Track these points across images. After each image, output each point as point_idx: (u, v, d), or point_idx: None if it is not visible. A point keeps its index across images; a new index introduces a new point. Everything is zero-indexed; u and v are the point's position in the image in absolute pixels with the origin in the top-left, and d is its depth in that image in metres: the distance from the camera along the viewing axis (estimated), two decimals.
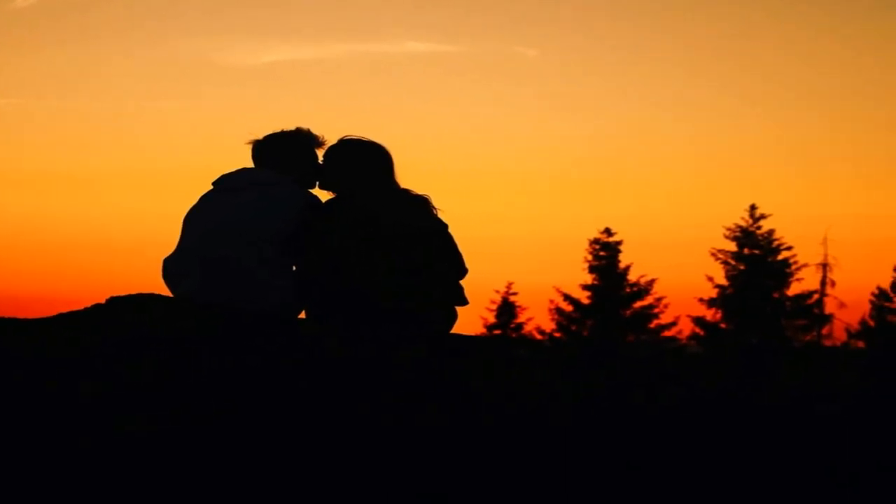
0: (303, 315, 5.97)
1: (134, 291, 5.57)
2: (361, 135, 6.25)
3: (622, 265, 40.89)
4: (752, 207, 40.46)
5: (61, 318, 5.39)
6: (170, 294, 5.95)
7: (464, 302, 6.08)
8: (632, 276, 40.77)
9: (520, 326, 42.18)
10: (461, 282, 6.11)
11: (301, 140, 6.27)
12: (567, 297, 40.70)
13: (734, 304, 39.54)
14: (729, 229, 40.43)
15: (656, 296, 40.56)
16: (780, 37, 61.86)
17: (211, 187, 6.17)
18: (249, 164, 6.29)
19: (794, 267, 40.04)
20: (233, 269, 5.84)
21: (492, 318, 42.20)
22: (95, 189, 64.07)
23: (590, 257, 41.08)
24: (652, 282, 40.60)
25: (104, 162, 65.75)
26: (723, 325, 39.83)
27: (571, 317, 40.71)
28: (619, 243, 41.08)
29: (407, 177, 6.24)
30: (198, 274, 5.88)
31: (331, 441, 4.45)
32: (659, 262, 67.35)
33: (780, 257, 40.10)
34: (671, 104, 63.54)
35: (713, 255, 40.41)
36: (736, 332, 39.37)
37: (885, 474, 4.83)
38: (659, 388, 5.30)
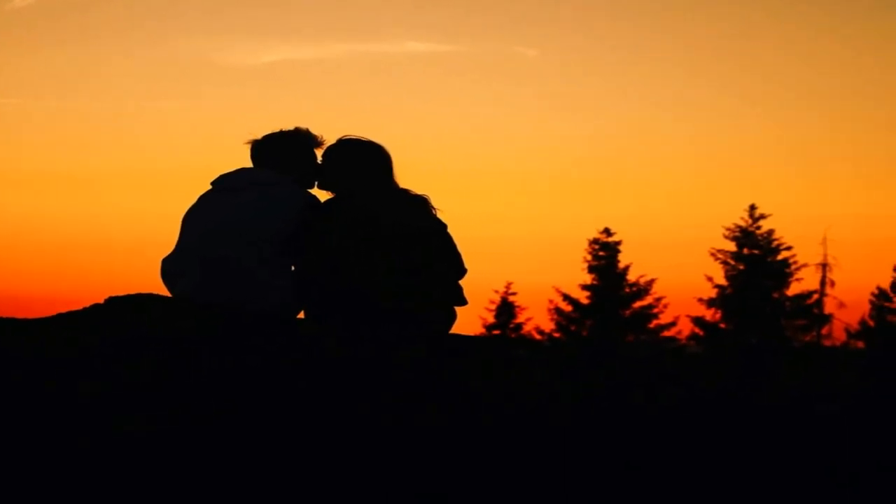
0: (302, 315, 5.97)
1: (132, 291, 5.57)
2: (360, 135, 6.24)
3: (621, 265, 40.91)
4: (752, 207, 40.49)
5: (60, 318, 5.39)
6: (168, 294, 5.94)
7: (463, 302, 6.07)
8: (631, 276, 40.82)
9: (519, 326, 42.18)
10: (460, 282, 6.10)
11: (300, 140, 6.26)
12: (566, 297, 40.70)
13: (734, 304, 39.54)
14: (728, 229, 40.46)
15: (656, 296, 40.60)
16: (780, 37, 61.92)
17: (210, 187, 6.16)
18: (248, 164, 6.28)
19: (793, 267, 40.05)
20: (232, 269, 5.83)
21: (491, 319, 42.22)
22: (94, 189, 64.12)
23: (589, 257, 41.09)
24: (651, 282, 40.63)
25: (103, 162, 65.81)
26: (722, 326, 39.83)
27: (571, 317, 40.71)
28: (618, 243, 41.10)
29: (406, 177, 6.24)
30: (197, 274, 5.88)
31: (331, 441, 4.44)
32: (658, 262, 67.39)
33: (779, 257, 40.11)
34: (671, 104, 63.60)
35: (713, 255, 40.45)
36: (735, 332, 39.36)
37: (885, 474, 4.83)
38: (659, 388, 5.30)
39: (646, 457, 4.65)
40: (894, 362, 37.20)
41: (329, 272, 5.87)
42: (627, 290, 40.55)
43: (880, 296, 40.07)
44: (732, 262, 40.20)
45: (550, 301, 40.93)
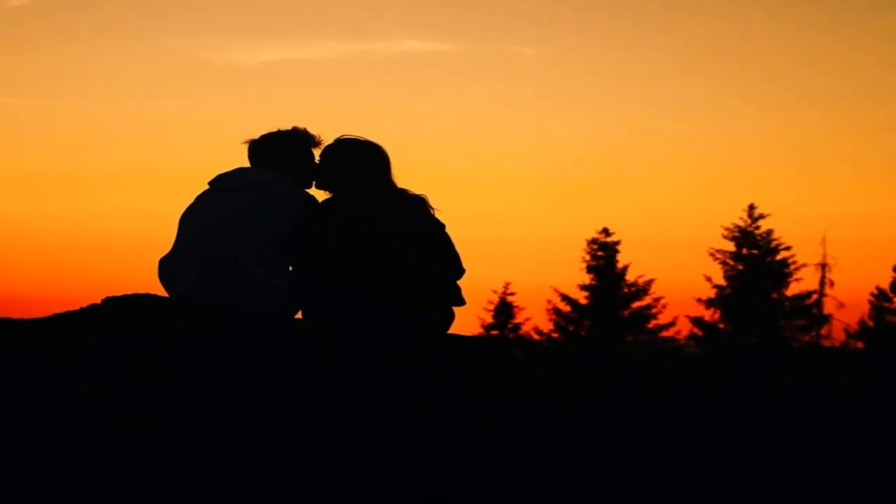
0: (300, 315, 5.96)
1: (130, 292, 5.56)
2: (358, 134, 6.24)
3: (620, 265, 40.91)
4: (751, 207, 40.47)
5: (57, 318, 5.38)
6: (166, 294, 5.93)
7: (461, 302, 6.07)
8: (630, 277, 40.80)
9: (517, 327, 42.18)
10: (458, 282, 6.09)
11: (298, 140, 6.25)
12: (565, 298, 40.69)
13: (733, 305, 39.53)
14: (727, 229, 40.44)
15: (654, 296, 40.59)
16: (780, 37, 61.95)
17: (207, 187, 6.16)
18: (246, 163, 6.27)
19: (792, 267, 40.04)
20: (230, 268, 5.82)
21: (489, 319, 42.23)
22: (90, 189, 64.09)
23: (588, 257, 41.08)
24: (650, 282, 40.62)
25: (100, 162, 65.78)
26: (721, 326, 39.82)
27: (569, 317, 40.70)
28: (617, 243, 41.09)
29: (404, 176, 6.23)
30: (194, 274, 5.87)
31: (331, 441, 4.44)
32: (657, 262, 67.40)
33: (778, 257, 40.10)
34: (669, 104, 63.60)
35: (712, 255, 40.42)
36: (734, 332, 39.35)
37: (885, 474, 4.82)
38: (658, 388, 5.30)
39: (646, 457, 4.64)
40: (894, 362, 37.20)
41: (327, 272, 5.87)
42: (626, 290, 40.55)
43: (880, 296, 40.07)
44: (731, 263, 40.19)
45: (549, 301, 40.96)
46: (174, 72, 66.36)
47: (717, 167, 63.63)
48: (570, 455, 4.58)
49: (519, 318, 42.30)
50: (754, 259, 39.98)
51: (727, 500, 4.52)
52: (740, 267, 40.03)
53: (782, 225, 49.38)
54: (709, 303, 40.03)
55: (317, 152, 6.26)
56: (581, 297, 40.73)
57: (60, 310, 5.45)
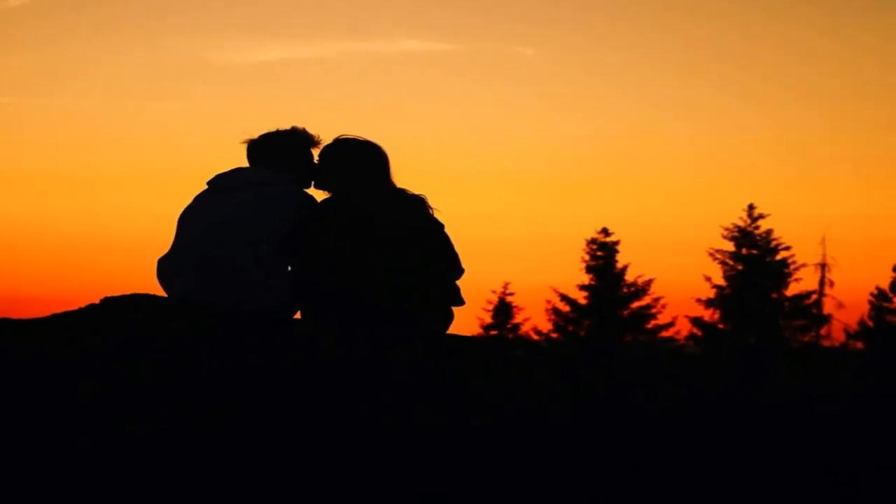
0: (298, 315, 5.96)
1: (128, 292, 5.56)
2: (357, 134, 6.23)
3: (619, 265, 40.91)
4: (751, 207, 40.47)
5: (55, 318, 5.38)
6: (164, 294, 5.93)
7: (460, 302, 6.06)
8: (629, 277, 40.80)
9: (516, 327, 42.19)
10: (457, 282, 6.09)
11: (296, 139, 6.25)
12: (564, 298, 40.69)
13: (732, 305, 39.53)
14: (727, 229, 40.43)
15: (654, 296, 40.59)
16: (779, 37, 61.96)
17: (206, 187, 6.15)
18: (245, 163, 6.27)
19: (792, 267, 40.04)
20: (228, 268, 5.82)
21: (488, 319, 42.24)
22: (88, 189, 64.08)
23: (587, 257, 41.08)
24: (649, 282, 40.62)
25: (98, 161, 65.74)
26: (721, 326, 39.82)
27: (568, 317, 40.70)
28: (616, 243, 41.09)
29: (403, 176, 6.23)
30: (192, 274, 5.87)
31: (331, 441, 4.43)
32: (657, 262, 67.39)
33: (778, 257, 40.09)
34: (669, 104, 63.61)
35: (711, 255, 40.42)
36: (734, 332, 39.36)
37: (885, 474, 4.82)
38: (658, 388, 5.30)
39: (646, 457, 4.64)
40: (893, 363, 37.20)
41: (326, 272, 5.86)
42: (625, 290, 40.55)
43: (879, 296, 40.06)
44: (731, 263, 40.19)
45: (548, 301, 40.96)
46: (173, 71, 66.42)
47: (716, 167, 63.69)
48: (571, 455, 4.58)
49: (518, 319, 42.36)
50: (754, 259, 39.98)
51: (727, 500, 4.52)
52: (740, 267, 40.02)
53: (782, 225, 49.41)
54: (708, 303, 40.03)
55: (316, 152, 6.26)
56: (580, 297, 40.74)
57: (59, 310, 5.46)
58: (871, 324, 39.77)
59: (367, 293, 5.82)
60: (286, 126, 6.28)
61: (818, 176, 62.72)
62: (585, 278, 40.88)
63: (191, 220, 6.04)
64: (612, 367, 5.66)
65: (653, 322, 40.42)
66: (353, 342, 5.23)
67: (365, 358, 5.04)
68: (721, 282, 40.11)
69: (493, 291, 42.33)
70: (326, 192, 6.17)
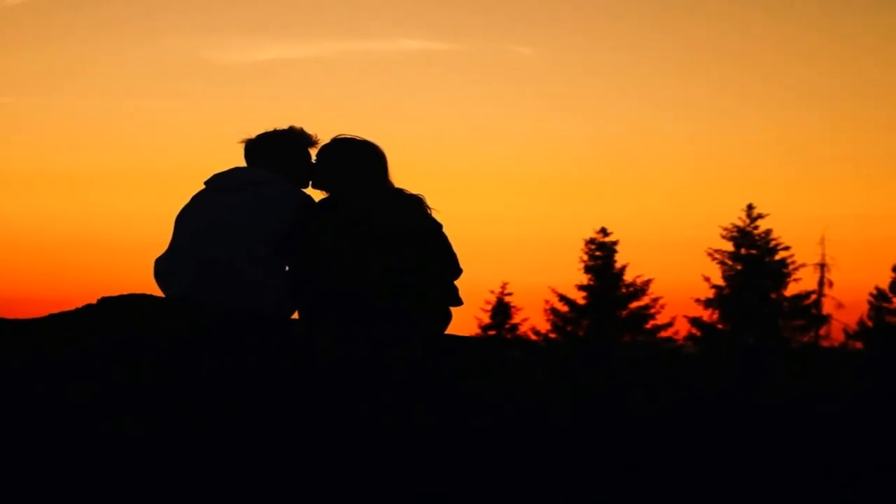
0: (296, 315, 5.95)
1: (125, 292, 5.55)
2: (355, 133, 6.22)
3: (618, 265, 40.91)
4: (750, 207, 40.47)
5: (53, 318, 5.37)
6: (161, 294, 5.92)
7: (458, 302, 6.05)
8: (628, 277, 40.80)
9: (515, 327, 42.22)
10: (456, 282, 6.08)
11: (294, 139, 6.24)
12: (562, 298, 40.70)
13: (731, 305, 39.53)
14: (726, 229, 40.43)
15: (652, 296, 40.59)
16: (779, 37, 62.00)
17: (203, 187, 6.14)
18: (242, 163, 6.26)
19: (791, 267, 40.04)
20: (225, 268, 5.81)
21: (487, 319, 42.26)
22: (85, 188, 64.08)
23: (585, 257, 41.08)
24: (648, 282, 40.63)
25: (95, 161, 65.72)
26: (720, 326, 39.82)
27: (567, 317, 40.70)
28: (615, 243, 41.09)
29: (401, 176, 6.21)
30: (190, 274, 5.86)
31: (331, 441, 4.43)
32: (655, 262, 67.40)
33: (777, 257, 40.10)
34: (667, 103, 63.65)
35: (710, 255, 40.41)
36: (733, 332, 39.36)
37: (885, 474, 4.81)
38: (657, 388, 5.29)
39: (645, 457, 4.63)
40: (893, 363, 37.21)
41: (323, 272, 5.85)
42: (624, 290, 40.56)
43: (879, 296, 40.08)
44: (730, 263, 40.19)
45: (546, 301, 40.96)
46: (170, 70, 66.43)
47: (715, 167, 63.72)
48: (570, 455, 4.57)
49: (516, 319, 42.39)
50: (753, 259, 39.98)
51: (727, 500, 4.51)
52: (739, 267, 40.03)
53: (781, 225, 49.41)
54: (707, 303, 40.03)
55: (313, 152, 6.25)
56: (579, 297, 40.75)
57: (56, 310, 5.45)
58: (870, 324, 39.79)
59: (366, 293, 5.81)
60: (284, 126, 6.28)
61: (817, 176, 62.80)
62: (584, 278, 40.92)
63: (188, 220, 6.03)
64: (610, 368, 5.66)
65: (651, 322, 40.44)
66: (351, 342, 5.22)
67: (364, 358, 5.03)
68: (720, 282, 40.12)
69: (492, 291, 42.40)
70: (324, 192, 6.16)
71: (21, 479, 4.15)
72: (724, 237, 40.42)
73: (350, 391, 4.74)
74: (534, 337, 41.26)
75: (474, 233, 50.79)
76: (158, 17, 66.08)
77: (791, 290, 39.96)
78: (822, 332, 39.81)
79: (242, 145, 6.27)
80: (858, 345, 39.91)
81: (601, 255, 40.97)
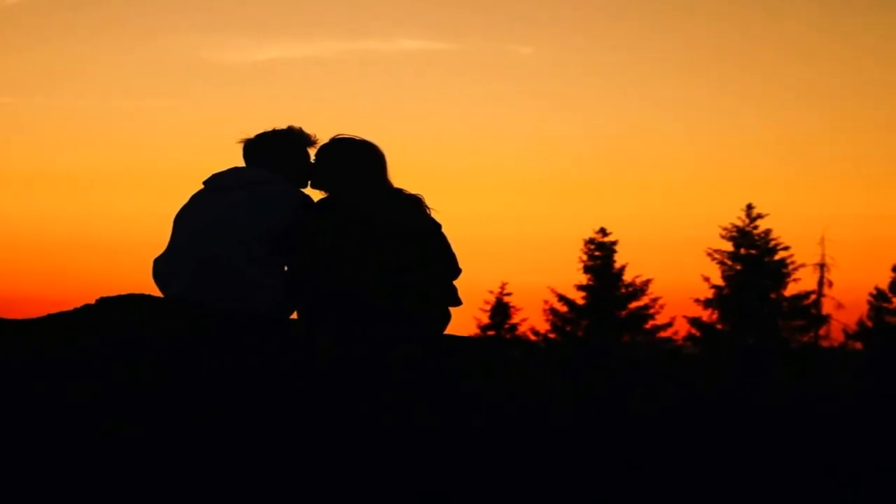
0: (295, 315, 5.94)
1: (124, 292, 5.54)
2: (354, 133, 6.22)
3: (617, 265, 40.92)
4: (749, 207, 40.47)
5: (50, 318, 5.36)
6: (160, 294, 5.91)
7: (457, 302, 6.05)
8: (627, 277, 40.81)
9: (514, 327, 42.23)
10: (455, 282, 6.07)
11: (293, 139, 6.24)
12: (562, 298, 40.72)
13: (731, 305, 39.54)
14: (725, 229, 40.44)
15: (652, 296, 40.61)
16: (779, 37, 62.02)
17: (202, 187, 6.14)
18: (241, 163, 6.26)
19: (791, 267, 40.05)
20: (223, 268, 5.81)
21: (486, 319, 42.28)
22: (85, 188, 64.07)
23: (585, 257, 41.10)
24: (647, 282, 40.65)
25: (95, 161, 65.71)
26: (719, 326, 39.83)
27: (566, 317, 40.71)
28: (614, 243, 41.11)
29: (400, 175, 6.21)
30: (188, 274, 5.86)
31: (331, 441, 4.43)
32: (655, 262, 67.46)
33: (777, 257, 40.10)
34: (667, 103, 63.67)
35: (709, 255, 40.42)
36: (732, 332, 39.37)
37: (885, 474, 4.81)
38: (656, 388, 5.29)
39: (645, 457, 4.63)
40: (893, 363, 37.22)
41: (322, 272, 5.85)
42: (623, 290, 40.57)
43: (878, 296, 40.11)
44: (729, 263, 40.20)
45: (546, 301, 40.97)
46: (169, 70, 66.44)
47: (714, 167, 63.73)
48: (570, 455, 4.57)
49: (515, 319, 42.41)
50: (752, 259, 39.99)
51: (727, 501, 4.51)
52: (738, 267, 40.03)
53: (781, 225, 49.41)
54: (707, 303, 40.04)
55: (312, 151, 6.25)
56: (578, 297, 40.77)
57: (54, 310, 5.44)
58: (870, 324, 39.82)
59: (364, 293, 5.81)
60: (283, 125, 6.28)
61: (817, 176, 62.82)
62: (583, 278, 40.94)
63: (187, 219, 6.03)
64: (610, 368, 5.65)
65: (651, 322, 40.46)
66: (350, 342, 5.22)
67: (363, 358, 5.03)
68: (719, 282, 40.13)
69: (491, 292, 42.42)
70: (323, 192, 6.16)
71: (20, 479, 4.14)
72: (723, 237, 40.46)
73: (350, 391, 4.74)
74: (533, 337, 41.30)
75: (473, 233, 50.86)
76: (158, 16, 66.13)
77: (791, 290, 40.01)
78: (822, 332, 39.84)
79: (241, 145, 6.27)
80: (858, 345, 39.93)
81: (600, 255, 40.99)
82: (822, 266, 40.18)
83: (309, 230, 5.92)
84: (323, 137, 6.24)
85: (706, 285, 40.23)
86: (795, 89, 62.88)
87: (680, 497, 4.49)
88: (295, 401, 4.63)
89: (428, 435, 4.54)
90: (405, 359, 5.11)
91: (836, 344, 39.88)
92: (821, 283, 40.02)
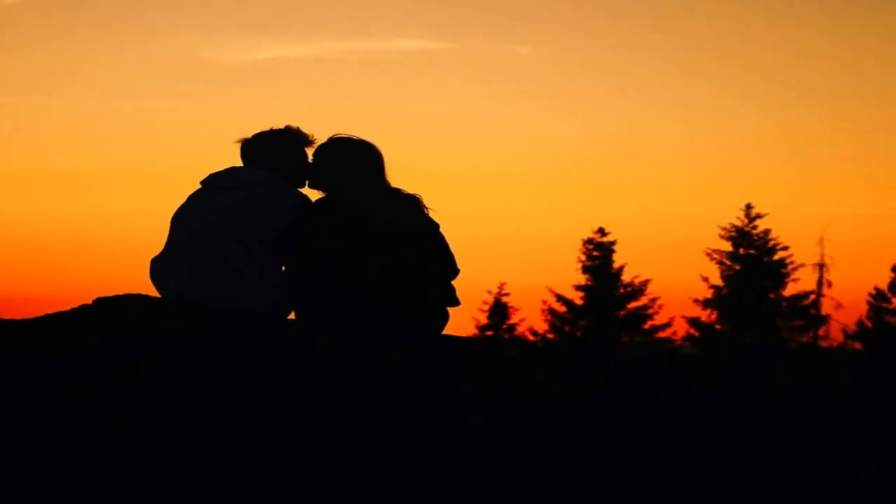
0: (293, 315, 5.94)
1: (121, 292, 5.53)
2: (352, 133, 6.22)
3: (616, 265, 40.95)
4: (748, 207, 40.50)
5: (48, 319, 5.35)
6: (157, 294, 5.91)
7: (455, 302, 6.05)
8: (626, 277, 40.84)
9: (512, 327, 42.25)
10: (453, 282, 6.07)
11: (290, 139, 6.24)
12: (560, 298, 40.73)
13: (730, 305, 39.56)
14: (724, 229, 40.47)
15: (651, 296, 40.64)
16: (778, 37, 62.04)
17: (199, 186, 6.13)
18: (239, 163, 6.26)
19: (790, 267, 40.08)
20: (220, 268, 5.81)
21: (484, 319, 42.30)
22: (85, 189, 64.09)
23: (583, 257, 41.13)
24: (646, 282, 40.68)
25: (94, 161, 65.72)
26: (718, 326, 39.85)
27: (564, 317, 40.74)
28: (612, 243, 41.14)
29: (398, 175, 6.21)
30: (186, 274, 5.86)
31: (330, 441, 4.42)
32: (653, 262, 67.53)
33: (776, 257, 40.13)
34: (665, 103, 63.71)
35: (708, 255, 40.44)
36: (731, 333, 39.39)
37: (885, 474, 4.81)
38: (655, 389, 5.29)
39: (644, 457, 4.62)
40: (892, 363, 37.23)
41: (320, 271, 5.85)
42: (622, 290, 40.59)
43: (878, 296, 40.13)
44: (728, 263, 40.22)
45: (544, 302, 40.99)
46: (167, 70, 66.41)
47: (713, 167, 63.75)
48: (569, 455, 4.56)
49: (514, 319, 42.44)
50: (751, 259, 40.01)
51: (726, 501, 4.50)
52: (737, 267, 40.06)
53: (780, 225, 49.47)
54: (706, 303, 40.06)
55: (310, 151, 6.24)
56: (576, 297, 40.79)
57: (51, 310, 5.43)
58: (869, 324, 39.84)
59: (362, 293, 5.81)
60: (280, 125, 6.28)
61: (816, 175, 62.84)
62: (582, 278, 40.97)
63: (184, 219, 6.03)
64: (608, 368, 5.65)
65: (650, 322, 40.49)
66: (349, 342, 5.22)
67: (363, 358, 5.03)
68: (718, 282, 40.16)
69: (489, 292, 42.44)
70: (320, 192, 6.15)
71: (19, 479, 4.13)
72: (722, 237, 40.49)
73: (349, 391, 4.73)
74: (531, 337, 41.32)
75: (472, 233, 50.86)
76: (157, 16, 66.11)
77: (790, 290, 40.04)
78: (821, 332, 39.86)
79: (239, 145, 6.26)
80: (857, 345, 39.95)
81: (599, 255, 41.01)
82: (821, 266, 40.22)
83: (307, 230, 5.92)
84: (321, 137, 6.25)
85: (705, 285, 40.30)
86: (795, 89, 62.95)
87: (679, 497, 4.49)
88: (294, 401, 4.63)
89: (426, 435, 4.54)
90: (404, 359, 5.11)
91: (835, 344, 39.91)
92: (820, 284, 40.06)
